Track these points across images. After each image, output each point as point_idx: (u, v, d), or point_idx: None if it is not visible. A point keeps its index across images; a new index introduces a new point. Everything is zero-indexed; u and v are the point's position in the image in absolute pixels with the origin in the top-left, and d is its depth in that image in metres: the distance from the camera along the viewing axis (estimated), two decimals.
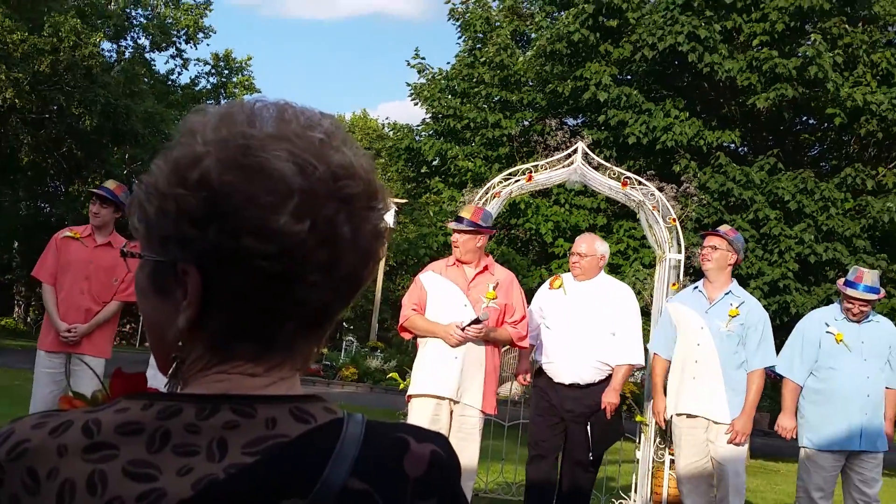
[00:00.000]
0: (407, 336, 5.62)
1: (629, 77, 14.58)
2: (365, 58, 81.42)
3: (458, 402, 5.32)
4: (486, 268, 5.46)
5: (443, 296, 5.39)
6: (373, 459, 0.85)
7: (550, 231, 14.77)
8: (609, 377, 5.85)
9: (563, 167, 7.90)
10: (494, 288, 5.40)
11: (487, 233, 5.49)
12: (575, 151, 7.80)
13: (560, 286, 6.03)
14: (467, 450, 5.21)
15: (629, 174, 7.88)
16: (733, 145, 14.49)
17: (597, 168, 7.98)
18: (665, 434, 6.48)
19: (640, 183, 7.58)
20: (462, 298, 5.35)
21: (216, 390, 0.87)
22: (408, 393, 5.52)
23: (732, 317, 5.59)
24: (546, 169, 7.93)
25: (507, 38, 15.97)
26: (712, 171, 13.84)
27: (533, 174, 7.82)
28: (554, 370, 5.87)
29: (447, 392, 5.28)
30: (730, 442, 5.52)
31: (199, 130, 0.88)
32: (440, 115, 16.90)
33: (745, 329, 5.57)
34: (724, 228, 5.90)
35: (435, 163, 16.95)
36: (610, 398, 5.75)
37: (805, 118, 15.63)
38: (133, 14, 32.66)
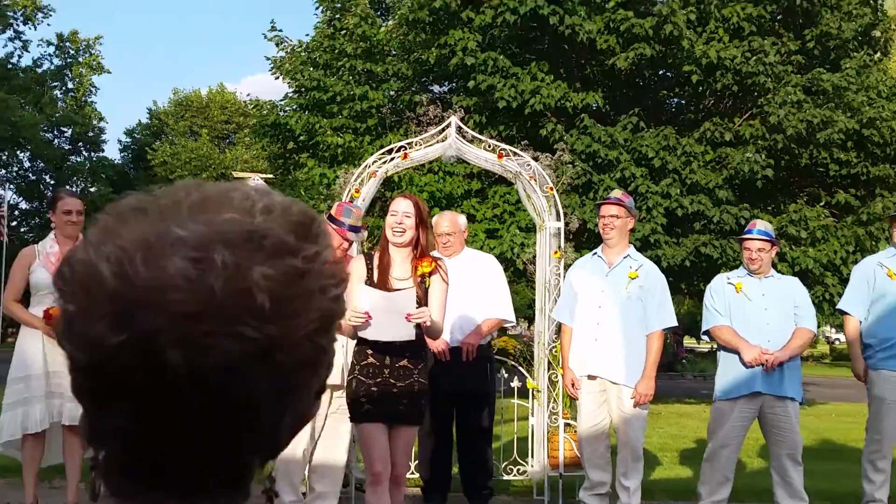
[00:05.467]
0: None
1: (494, 43, 14.53)
2: (226, 31, 78.68)
3: None
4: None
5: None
6: None
7: (426, 201, 14.69)
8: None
9: (438, 142, 7.80)
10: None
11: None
12: (448, 126, 7.71)
13: None
14: None
15: (504, 146, 7.85)
16: (597, 106, 14.72)
17: (471, 141, 7.92)
18: (560, 398, 6.59)
19: (515, 154, 7.56)
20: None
21: None
22: None
23: (632, 279, 5.67)
24: (421, 146, 7.82)
25: (366, 8, 15.63)
26: (578, 133, 14.05)
27: (408, 151, 7.70)
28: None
29: None
30: (635, 405, 5.62)
31: None
32: (304, 89, 16.44)
33: (644, 291, 5.66)
34: (617, 194, 5.94)
35: (302, 138, 16.51)
36: (469, 339, 5.85)
37: (663, 72, 16.00)
38: None
